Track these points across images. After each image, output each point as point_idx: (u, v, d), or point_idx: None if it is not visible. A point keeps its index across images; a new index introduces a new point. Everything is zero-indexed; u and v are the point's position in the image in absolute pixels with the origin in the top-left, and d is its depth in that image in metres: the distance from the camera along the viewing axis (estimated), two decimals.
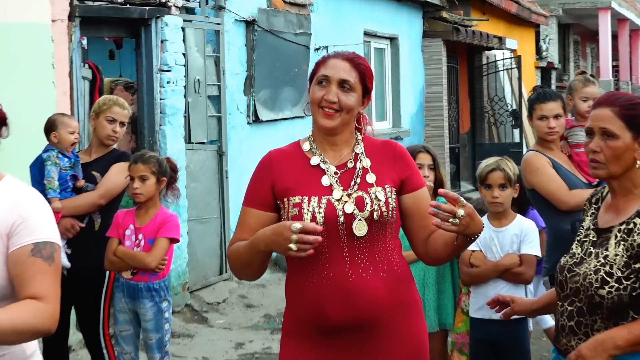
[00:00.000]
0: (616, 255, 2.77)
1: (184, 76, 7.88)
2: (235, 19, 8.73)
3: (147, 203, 4.83)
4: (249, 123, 9.01)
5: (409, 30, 13.44)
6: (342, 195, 2.90)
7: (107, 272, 5.03)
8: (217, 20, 8.48)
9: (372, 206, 2.89)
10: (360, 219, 2.88)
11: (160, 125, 7.63)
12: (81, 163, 5.13)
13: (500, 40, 16.56)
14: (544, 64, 22.35)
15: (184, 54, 7.87)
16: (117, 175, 5.06)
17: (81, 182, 5.06)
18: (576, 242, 2.95)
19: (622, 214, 2.85)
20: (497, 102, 17.00)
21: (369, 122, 3.12)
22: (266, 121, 9.25)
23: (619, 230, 2.82)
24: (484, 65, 16.90)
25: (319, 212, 2.87)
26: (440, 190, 2.68)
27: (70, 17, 6.74)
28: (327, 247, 2.86)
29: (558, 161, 4.71)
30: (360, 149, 3.01)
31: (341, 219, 2.88)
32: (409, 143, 10.79)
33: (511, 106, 17.24)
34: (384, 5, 12.50)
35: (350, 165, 2.98)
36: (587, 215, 2.99)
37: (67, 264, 4.88)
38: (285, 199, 2.92)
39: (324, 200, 2.89)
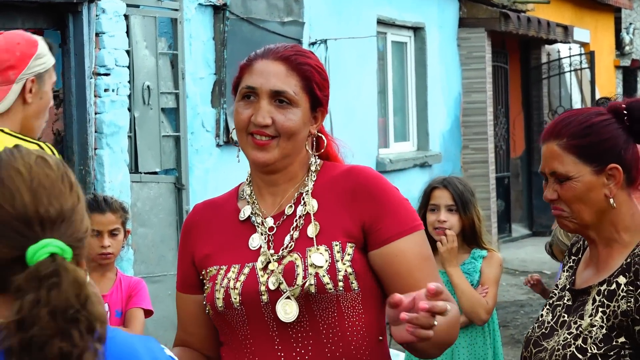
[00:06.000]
0: (592, 325, 2.55)
1: (128, 82, 7.46)
2: (200, 3, 8.33)
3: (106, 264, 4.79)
4: (218, 145, 8.54)
5: (440, 17, 12.53)
6: (268, 262, 2.42)
7: None
8: (174, 5, 8.06)
9: (304, 277, 2.38)
10: (288, 298, 2.39)
11: (95, 148, 7.29)
12: None
13: (567, 30, 15.33)
14: (626, 62, 20.26)
15: (127, 52, 7.46)
16: None
17: None
18: (547, 307, 2.72)
19: (603, 271, 2.62)
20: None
21: (336, 143, 2.60)
22: None
23: (598, 292, 2.57)
24: (544, 65, 15.56)
25: (234, 289, 2.41)
26: (430, 287, 2.17)
27: None
28: (252, 338, 2.40)
29: None
30: (308, 186, 2.50)
31: (264, 298, 2.39)
32: (441, 172, 10.46)
33: None
34: None
35: (288, 211, 2.48)
36: (564, 271, 2.78)
37: None
38: (203, 272, 2.51)
39: (245, 270, 2.44)
